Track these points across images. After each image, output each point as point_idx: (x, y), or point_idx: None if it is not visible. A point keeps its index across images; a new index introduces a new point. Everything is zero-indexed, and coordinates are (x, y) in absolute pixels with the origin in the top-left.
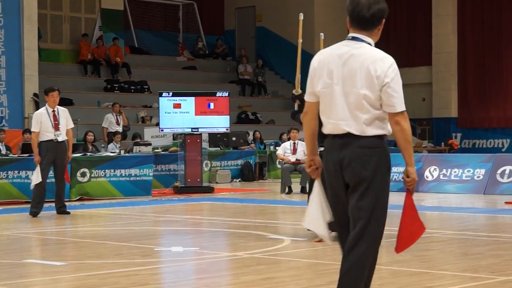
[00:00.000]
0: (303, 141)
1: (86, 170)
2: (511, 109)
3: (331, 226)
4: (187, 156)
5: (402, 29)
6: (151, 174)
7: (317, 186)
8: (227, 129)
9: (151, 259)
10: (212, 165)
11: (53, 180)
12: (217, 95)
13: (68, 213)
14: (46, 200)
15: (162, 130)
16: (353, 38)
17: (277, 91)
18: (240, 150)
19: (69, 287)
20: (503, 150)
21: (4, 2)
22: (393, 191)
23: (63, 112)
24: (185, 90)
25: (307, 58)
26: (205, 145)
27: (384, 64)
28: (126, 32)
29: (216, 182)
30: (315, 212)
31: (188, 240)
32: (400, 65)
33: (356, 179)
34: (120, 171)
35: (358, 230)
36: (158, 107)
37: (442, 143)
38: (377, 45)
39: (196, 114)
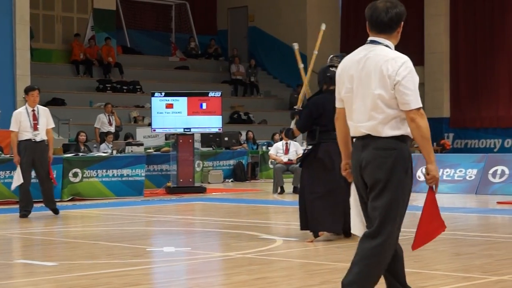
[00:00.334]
0: (295, 141)
1: (78, 170)
2: (503, 109)
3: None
4: (179, 156)
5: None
6: (143, 174)
7: (353, 190)
8: (219, 129)
9: (143, 259)
10: (204, 165)
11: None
12: (209, 95)
13: (57, 212)
14: (34, 200)
15: (154, 130)
16: (372, 42)
17: (270, 91)
18: (233, 150)
19: None
20: (495, 150)
21: None
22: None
23: (44, 112)
24: (178, 90)
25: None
26: (197, 145)
27: (396, 63)
28: (119, 32)
29: (208, 182)
30: (355, 216)
31: (180, 240)
32: None
33: (372, 180)
34: (112, 171)
35: (373, 228)
36: (151, 107)
37: (434, 143)
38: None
39: (188, 114)
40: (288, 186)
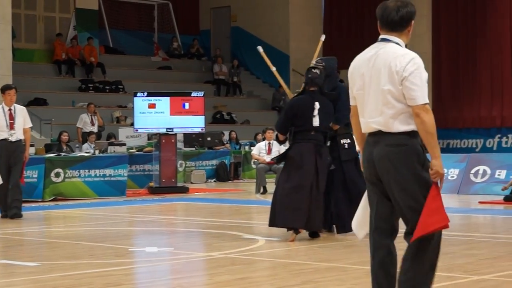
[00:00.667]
0: (275, 139)
1: (60, 170)
2: (485, 110)
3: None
4: (162, 156)
5: (377, 29)
6: (125, 174)
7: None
8: (202, 129)
9: (126, 260)
10: (187, 165)
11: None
12: (192, 95)
13: (21, 216)
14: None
15: (136, 130)
16: (382, 40)
17: (252, 91)
18: (215, 150)
19: None
20: (476, 150)
21: None
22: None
23: (21, 111)
24: (160, 90)
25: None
26: (180, 145)
27: (404, 59)
28: (101, 32)
29: (191, 182)
30: (360, 216)
31: (163, 240)
32: None
33: (385, 176)
34: (95, 171)
35: (410, 226)
36: (133, 107)
37: None
38: (353, 46)
39: (171, 114)
40: (271, 186)
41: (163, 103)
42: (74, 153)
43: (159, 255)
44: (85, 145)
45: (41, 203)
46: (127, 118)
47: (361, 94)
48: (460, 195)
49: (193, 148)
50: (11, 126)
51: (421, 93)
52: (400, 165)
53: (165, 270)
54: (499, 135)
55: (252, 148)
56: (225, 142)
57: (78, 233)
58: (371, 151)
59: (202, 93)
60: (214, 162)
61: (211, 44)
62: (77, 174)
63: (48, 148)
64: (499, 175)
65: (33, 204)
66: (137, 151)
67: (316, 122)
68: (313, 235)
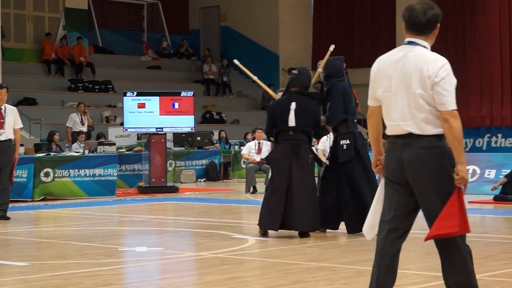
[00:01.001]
0: (267, 140)
1: (49, 170)
2: (474, 109)
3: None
4: (152, 156)
5: (366, 29)
6: (115, 174)
7: (379, 190)
8: (191, 129)
9: (115, 259)
10: (177, 165)
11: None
12: (181, 95)
13: (8, 218)
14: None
15: (126, 130)
16: (409, 43)
17: (242, 91)
18: (205, 150)
19: None
20: (466, 149)
21: None
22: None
23: (11, 111)
24: (150, 89)
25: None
26: (169, 145)
27: (436, 65)
28: (90, 31)
29: (181, 182)
30: (372, 217)
31: (153, 240)
32: (364, 65)
33: (418, 179)
34: (84, 171)
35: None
36: (123, 107)
37: None
38: (341, 45)
39: (160, 114)
40: (261, 186)
41: (153, 102)
42: (63, 153)
43: (149, 255)
44: (75, 145)
45: (31, 203)
46: (116, 117)
47: (388, 96)
48: None
49: (183, 148)
50: (1, 125)
51: (451, 99)
52: (433, 167)
53: (155, 269)
54: (488, 135)
55: (242, 147)
56: (215, 142)
57: (68, 233)
58: (400, 153)
59: (192, 92)
60: (204, 161)
61: (200, 44)
62: (66, 173)
63: (37, 147)
64: (488, 174)
65: (22, 204)
66: (126, 150)
67: (292, 122)
68: (303, 234)
